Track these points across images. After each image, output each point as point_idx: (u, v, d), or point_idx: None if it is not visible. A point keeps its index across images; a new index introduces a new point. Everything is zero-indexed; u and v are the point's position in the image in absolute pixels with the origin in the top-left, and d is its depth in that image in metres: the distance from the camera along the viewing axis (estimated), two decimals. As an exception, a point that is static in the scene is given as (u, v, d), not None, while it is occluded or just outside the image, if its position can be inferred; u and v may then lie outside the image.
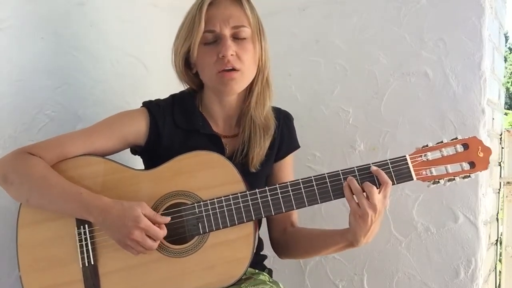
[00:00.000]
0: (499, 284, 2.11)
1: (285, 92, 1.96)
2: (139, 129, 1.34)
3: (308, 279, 1.98)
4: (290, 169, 1.48)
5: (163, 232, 1.19)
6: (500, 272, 2.13)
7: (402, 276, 1.83)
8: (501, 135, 2.07)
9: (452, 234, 1.76)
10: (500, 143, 2.07)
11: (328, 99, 1.94)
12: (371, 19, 1.87)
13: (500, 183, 2.09)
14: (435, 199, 1.77)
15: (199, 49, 1.29)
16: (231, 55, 1.27)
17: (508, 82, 20.54)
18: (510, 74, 21.60)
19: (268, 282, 1.32)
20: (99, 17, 1.63)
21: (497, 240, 2.09)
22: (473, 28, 1.72)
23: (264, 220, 1.43)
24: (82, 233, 1.22)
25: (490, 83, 1.75)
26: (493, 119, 1.90)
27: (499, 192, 2.09)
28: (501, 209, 2.13)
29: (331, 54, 1.93)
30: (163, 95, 1.43)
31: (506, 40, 18.62)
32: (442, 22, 1.76)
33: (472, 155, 1.25)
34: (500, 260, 2.11)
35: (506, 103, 6.66)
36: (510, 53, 21.94)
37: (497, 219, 2.08)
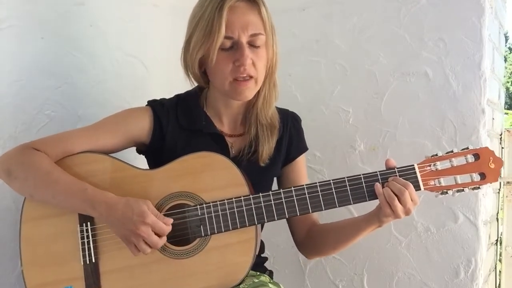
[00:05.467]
0: (499, 284, 2.11)
1: (285, 92, 1.95)
2: (143, 127, 1.34)
3: (308, 279, 1.98)
4: (303, 171, 1.48)
5: (168, 228, 1.18)
6: (500, 272, 2.13)
7: (402, 276, 1.83)
8: (501, 135, 2.07)
9: (452, 234, 1.76)
10: (500, 143, 2.07)
11: (328, 99, 1.94)
12: (371, 19, 1.87)
13: (500, 183, 2.09)
14: (435, 199, 1.76)
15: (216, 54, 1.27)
16: (248, 63, 1.26)
17: (508, 82, 20.55)
18: (510, 74, 21.60)
19: (268, 283, 1.32)
20: (99, 17, 1.63)
21: (497, 240, 2.09)
22: (473, 28, 1.72)
23: (273, 224, 1.40)
24: (84, 231, 1.22)
25: (490, 83, 1.75)
26: (493, 119, 1.90)
27: (499, 192, 2.09)
28: (501, 209, 2.13)
29: (331, 54, 1.93)
30: (163, 95, 1.43)
31: (506, 40, 18.61)
32: (442, 22, 1.77)
33: (483, 166, 1.22)
34: (500, 260, 2.11)
35: (506, 103, 6.65)
36: (510, 53, 21.94)
37: (497, 219, 2.08)
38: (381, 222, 1.27)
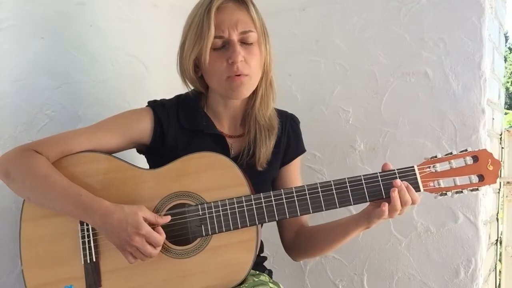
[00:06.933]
0: (499, 284, 2.11)
1: (285, 92, 1.96)
2: (144, 128, 1.34)
3: (308, 279, 1.98)
4: (297, 173, 1.49)
5: (162, 238, 1.18)
6: (500, 272, 2.13)
7: (402, 276, 1.83)
8: (501, 135, 2.07)
9: (452, 234, 1.76)
10: (500, 143, 2.07)
11: (328, 99, 1.94)
12: (371, 19, 1.87)
13: (500, 183, 2.09)
14: (434, 199, 1.77)
15: (209, 54, 1.28)
16: (240, 61, 1.27)
17: (508, 82, 20.57)
18: (510, 74, 21.63)
19: (268, 283, 1.32)
20: (99, 17, 1.64)
21: (497, 240, 2.09)
22: (473, 28, 1.72)
23: (272, 223, 1.41)
24: (85, 230, 1.22)
25: (490, 83, 1.75)
26: (493, 119, 1.90)
27: (499, 192, 2.09)
28: (501, 209, 2.13)
29: (331, 54, 1.93)
30: (163, 95, 1.43)
31: (506, 40, 18.65)
32: (442, 22, 1.77)
33: (482, 168, 1.24)
34: (500, 260, 2.11)
35: (506, 103, 6.66)
36: (510, 53, 21.96)
37: (497, 219, 2.08)
38: (370, 223, 1.28)
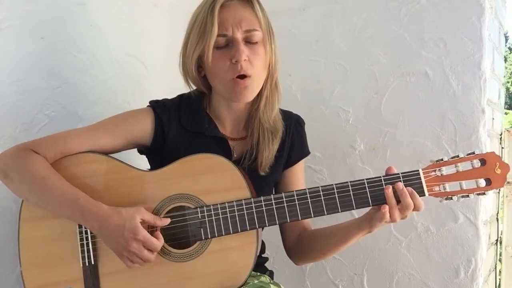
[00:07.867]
0: (499, 284, 2.12)
1: (285, 92, 1.94)
2: (145, 128, 1.33)
3: (308, 279, 1.98)
4: (301, 176, 1.46)
5: (160, 243, 1.18)
6: (500, 272, 2.13)
7: (402, 276, 1.83)
8: (501, 135, 2.07)
9: (452, 234, 1.76)
10: (500, 143, 2.07)
11: (328, 99, 1.94)
12: (371, 19, 1.87)
13: (500, 183, 2.08)
14: (435, 199, 1.76)
15: (212, 53, 1.26)
16: (244, 60, 1.24)
17: (508, 82, 20.58)
18: (510, 74, 21.63)
19: (269, 284, 1.31)
20: (99, 17, 1.63)
21: (497, 240, 2.09)
22: (473, 28, 1.72)
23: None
24: (84, 232, 1.22)
25: (490, 83, 1.75)
26: (493, 119, 1.90)
27: (499, 192, 2.09)
28: (501, 209, 2.13)
29: (331, 54, 1.93)
30: (163, 95, 1.43)
31: (506, 40, 18.65)
32: (442, 22, 1.77)
33: (489, 171, 1.20)
34: (500, 260, 2.12)
35: (506, 103, 6.66)
36: (510, 53, 21.96)
37: (497, 219, 2.08)
38: (372, 227, 1.25)
